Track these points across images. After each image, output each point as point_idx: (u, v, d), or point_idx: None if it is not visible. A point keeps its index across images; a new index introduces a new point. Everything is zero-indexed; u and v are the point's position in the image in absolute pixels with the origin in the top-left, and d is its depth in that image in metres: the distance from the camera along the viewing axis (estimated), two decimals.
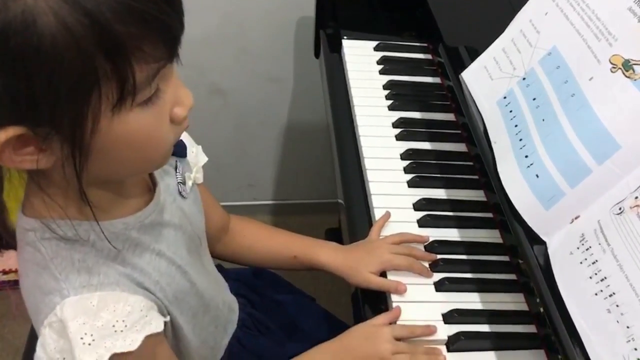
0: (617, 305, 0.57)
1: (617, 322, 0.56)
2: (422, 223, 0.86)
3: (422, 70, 1.10)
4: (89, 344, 0.54)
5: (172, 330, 0.67)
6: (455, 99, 0.96)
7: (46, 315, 0.57)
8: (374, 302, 0.79)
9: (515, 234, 0.70)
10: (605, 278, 0.59)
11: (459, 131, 0.99)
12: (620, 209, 0.60)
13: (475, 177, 0.92)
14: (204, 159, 0.80)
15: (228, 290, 0.84)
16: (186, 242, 0.70)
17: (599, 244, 0.61)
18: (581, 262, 0.61)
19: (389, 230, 0.85)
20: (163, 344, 0.63)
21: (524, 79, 0.78)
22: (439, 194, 0.90)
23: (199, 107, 1.52)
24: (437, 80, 1.08)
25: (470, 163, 0.94)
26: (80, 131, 0.49)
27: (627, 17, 0.68)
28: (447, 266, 0.81)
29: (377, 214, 0.86)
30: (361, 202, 0.91)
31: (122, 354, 0.55)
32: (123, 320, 0.57)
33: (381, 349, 0.72)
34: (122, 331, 0.56)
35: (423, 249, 0.83)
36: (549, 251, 0.65)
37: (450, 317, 0.75)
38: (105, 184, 0.59)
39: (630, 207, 0.59)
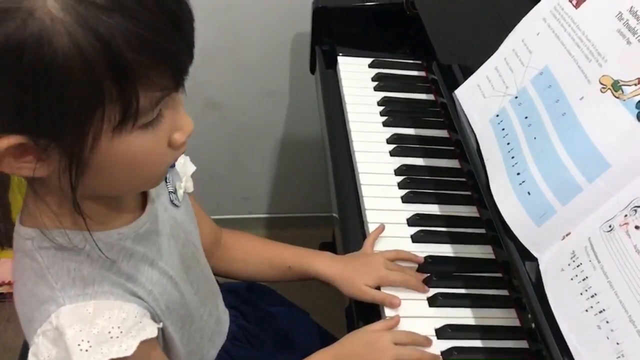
0: (607, 322, 0.58)
1: (607, 338, 0.57)
2: (415, 238, 0.87)
3: (416, 87, 1.12)
4: (86, 350, 0.55)
5: (162, 340, 0.68)
6: (449, 115, 0.97)
7: (40, 323, 0.57)
8: (368, 316, 0.80)
9: (507, 250, 0.71)
10: (596, 294, 0.60)
11: (452, 148, 1.00)
12: (610, 226, 0.61)
13: (468, 193, 0.94)
14: (192, 168, 0.82)
15: (221, 300, 0.85)
16: (179, 250, 0.71)
17: (590, 260, 0.62)
18: (572, 279, 0.62)
19: (383, 245, 0.86)
20: (157, 349, 0.64)
21: (516, 97, 0.79)
22: (433, 209, 0.91)
23: (195, 120, 1.53)
24: (431, 97, 1.10)
25: (464, 179, 0.95)
26: (79, 147, 0.51)
27: (616, 39, 0.69)
28: (441, 282, 0.81)
29: (372, 228, 0.87)
30: (355, 217, 0.92)
31: (119, 359, 0.56)
32: (118, 327, 0.57)
33: (381, 355, 0.72)
34: (117, 337, 0.57)
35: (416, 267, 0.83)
36: (541, 267, 0.66)
37: (443, 332, 0.76)
38: (102, 198, 0.60)
39: (620, 225, 0.60)
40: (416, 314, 0.78)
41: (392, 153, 0.99)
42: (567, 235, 0.66)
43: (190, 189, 0.80)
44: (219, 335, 0.81)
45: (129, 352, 0.57)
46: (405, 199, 0.92)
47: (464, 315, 0.79)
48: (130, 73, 0.49)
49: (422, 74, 1.15)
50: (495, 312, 0.80)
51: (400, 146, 0.99)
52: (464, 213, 0.91)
